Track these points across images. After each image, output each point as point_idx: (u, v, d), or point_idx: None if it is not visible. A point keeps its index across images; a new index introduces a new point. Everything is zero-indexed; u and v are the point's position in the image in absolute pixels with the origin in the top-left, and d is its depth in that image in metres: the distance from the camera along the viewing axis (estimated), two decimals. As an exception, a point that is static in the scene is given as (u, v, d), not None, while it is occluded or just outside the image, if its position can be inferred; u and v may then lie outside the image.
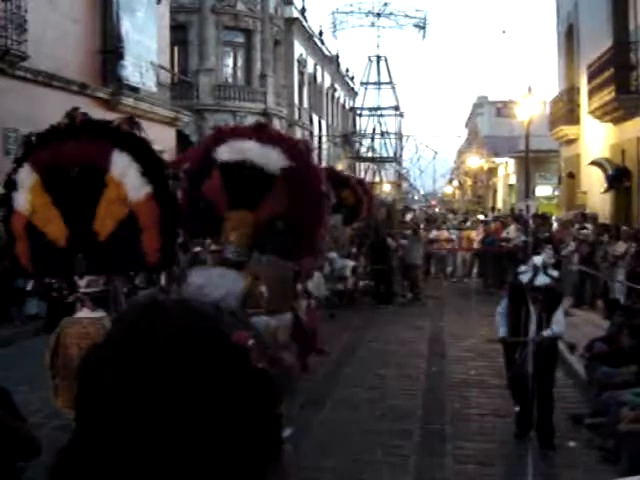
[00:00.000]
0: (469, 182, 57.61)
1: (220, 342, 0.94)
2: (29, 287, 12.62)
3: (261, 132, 6.27)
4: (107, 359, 0.94)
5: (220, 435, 0.89)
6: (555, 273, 7.30)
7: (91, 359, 0.97)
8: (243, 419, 0.91)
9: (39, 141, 5.38)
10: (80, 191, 5.16)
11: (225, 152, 6.16)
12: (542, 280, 6.91)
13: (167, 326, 0.94)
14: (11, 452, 3.93)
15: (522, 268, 7.24)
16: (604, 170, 18.71)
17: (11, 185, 5.41)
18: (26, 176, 5.29)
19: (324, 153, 47.58)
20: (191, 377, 0.90)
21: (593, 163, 19.56)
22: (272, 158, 6.01)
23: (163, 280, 11.56)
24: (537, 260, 7.19)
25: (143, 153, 5.23)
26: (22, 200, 5.33)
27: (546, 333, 6.94)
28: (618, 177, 17.79)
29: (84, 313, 5.21)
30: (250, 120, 32.23)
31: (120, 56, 19.25)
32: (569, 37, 24.62)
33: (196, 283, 5.59)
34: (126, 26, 19.57)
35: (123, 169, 5.08)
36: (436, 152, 59.10)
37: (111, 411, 0.89)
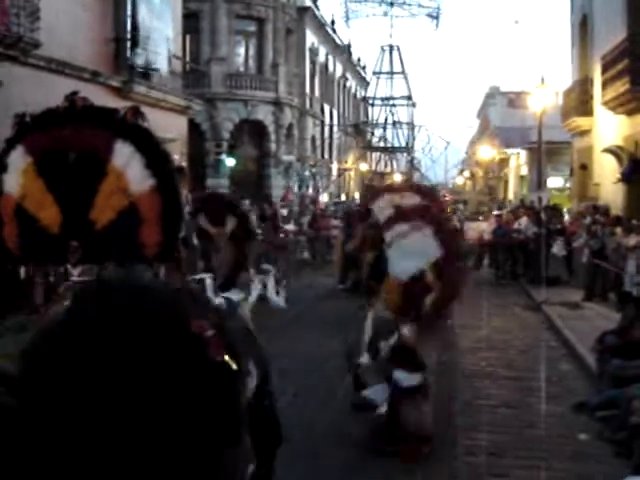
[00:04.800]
0: (480, 173, 57.37)
1: (176, 329, 0.89)
2: (22, 273, 12.51)
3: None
4: (51, 343, 0.91)
5: (168, 421, 0.86)
6: None
7: (35, 344, 0.94)
8: (195, 407, 0.87)
9: (35, 123, 5.26)
10: (77, 178, 5.06)
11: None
12: None
13: (117, 309, 0.89)
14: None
15: None
16: (618, 158, 18.53)
17: (1, 167, 5.25)
18: (18, 158, 5.14)
19: (335, 143, 47.53)
20: (138, 362, 0.85)
21: (607, 150, 19.41)
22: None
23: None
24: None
25: (147, 145, 5.14)
26: (13, 182, 5.17)
27: None
28: (635, 171, 17.63)
29: None
30: (261, 109, 32.37)
31: (135, 44, 19.23)
32: (583, 27, 24.42)
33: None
34: (142, 13, 19.55)
35: (126, 160, 4.98)
36: (448, 142, 58.94)
37: (53, 397, 0.87)
